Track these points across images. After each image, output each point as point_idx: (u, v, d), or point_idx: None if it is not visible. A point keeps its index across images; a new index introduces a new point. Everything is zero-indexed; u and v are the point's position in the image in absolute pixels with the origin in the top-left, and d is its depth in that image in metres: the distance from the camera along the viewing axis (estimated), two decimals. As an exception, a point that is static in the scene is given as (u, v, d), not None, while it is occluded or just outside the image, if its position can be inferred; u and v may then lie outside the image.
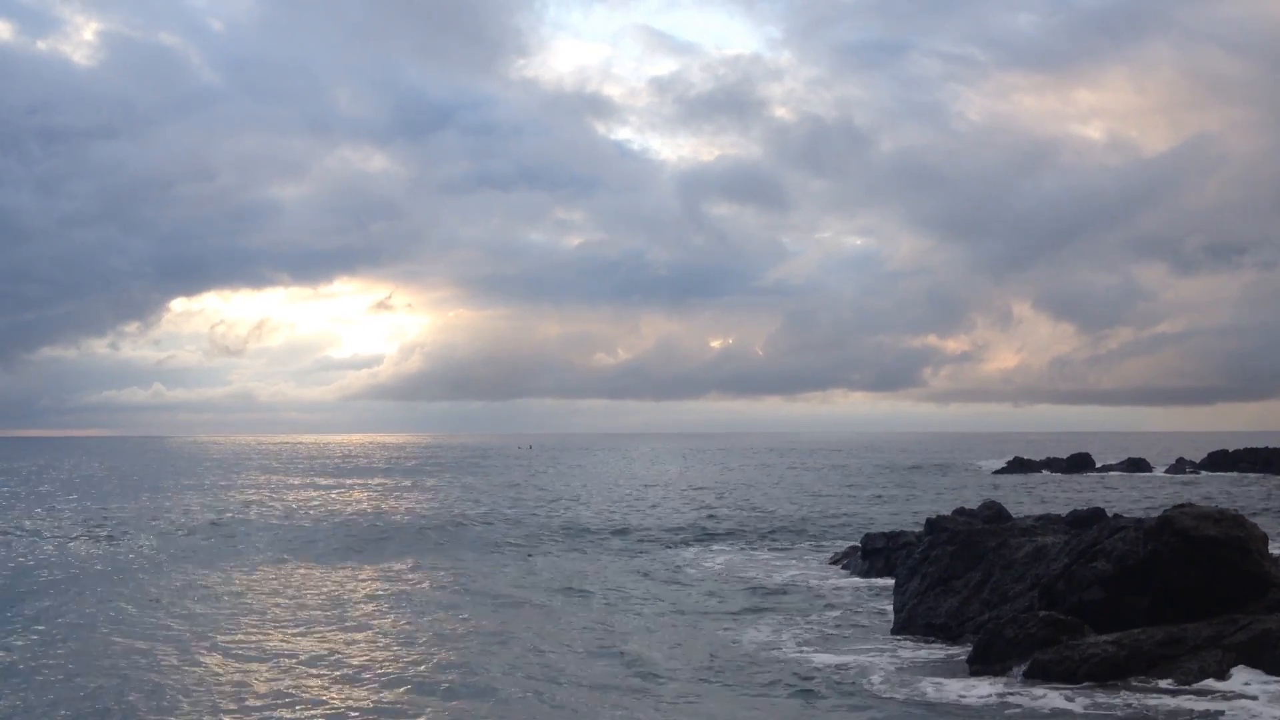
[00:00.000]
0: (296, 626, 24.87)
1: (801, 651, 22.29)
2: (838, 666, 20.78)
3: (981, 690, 18.48)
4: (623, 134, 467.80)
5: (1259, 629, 18.35)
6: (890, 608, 26.13)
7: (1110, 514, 31.29)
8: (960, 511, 38.54)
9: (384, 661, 21.30)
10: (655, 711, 17.75)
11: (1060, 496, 67.22)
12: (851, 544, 38.99)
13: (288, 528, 48.47)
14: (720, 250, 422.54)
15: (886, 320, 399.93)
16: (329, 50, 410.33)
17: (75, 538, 44.33)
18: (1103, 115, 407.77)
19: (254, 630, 24.36)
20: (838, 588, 31.12)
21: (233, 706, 17.81)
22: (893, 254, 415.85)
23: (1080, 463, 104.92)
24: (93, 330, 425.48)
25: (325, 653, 22.06)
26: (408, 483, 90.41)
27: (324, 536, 44.74)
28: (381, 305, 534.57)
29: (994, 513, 37.53)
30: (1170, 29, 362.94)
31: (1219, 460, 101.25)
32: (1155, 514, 21.57)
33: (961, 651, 21.29)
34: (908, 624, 24.52)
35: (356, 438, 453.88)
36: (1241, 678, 17.69)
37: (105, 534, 45.75)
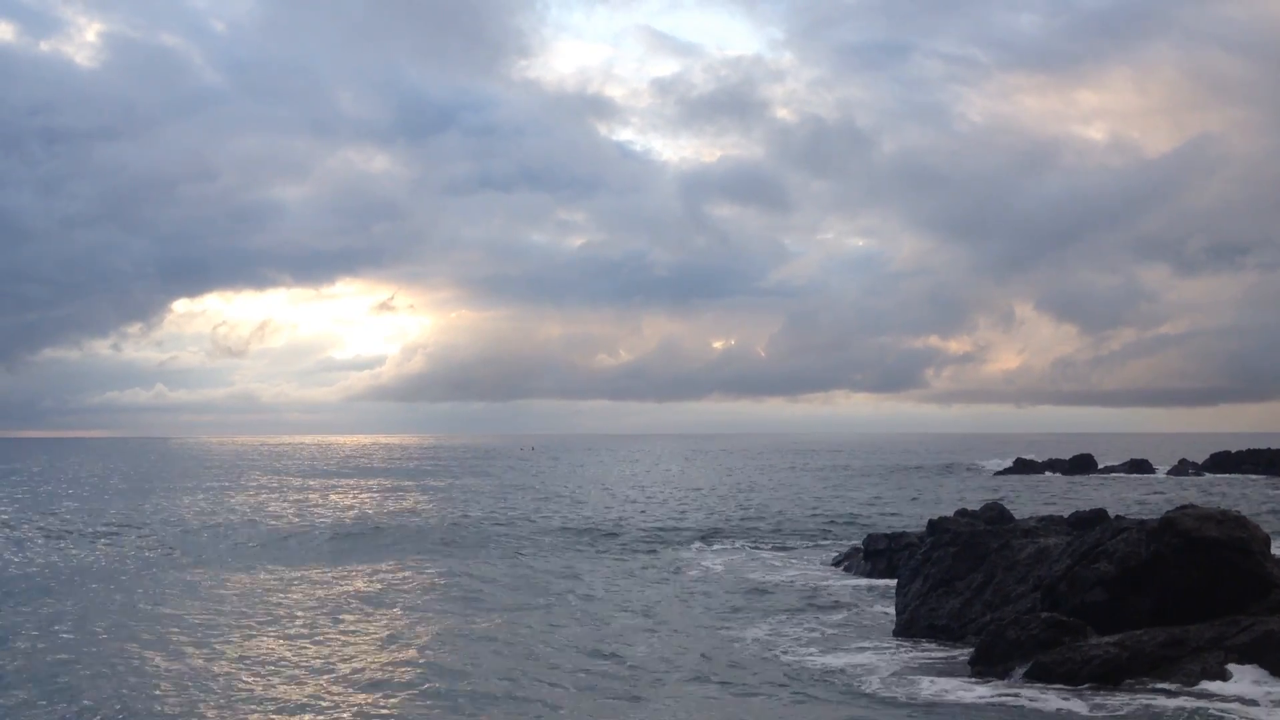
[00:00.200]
0: (293, 629, 24.85)
1: (803, 652, 22.28)
2: (839, 667, 20.78)
3: (983, 691, 18.47)
4: (625, 135, 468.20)
5: (1261, 630, 18.33)
6: (892, 609, 26.12)
7: (1113, 515, 31.27)
8: (962, 513, 38.51)
9: (381, 664, 21.30)
10: (656, 712, 17.75)
11: (1063, 498, 67.16)
12: (853, 545, 38.99)
13: (288, 529, 48.47)
14: (722, 251, 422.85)
15: (888, 321, 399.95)
16: (331, 51, 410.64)
17: (75, 539, 44.37)
18: (1105, 116, 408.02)
19: (251, 632, 24.36)
20: (840, 588, 31.11)
21: (228, 708, 17.80)
22: (895, 255, 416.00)
23: (1083, 464, 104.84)
24: (95, 331, 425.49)
25: (323, 655, 22.07)
26: (409, 484, 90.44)
27: (324, 538, 44.75)
28: (384, 306, 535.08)
29: (996, 514, 37.52)
30: (1172, 30, 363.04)
31: (1222, 461, 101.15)
32: (1158, 515, 21.55)
33: (963, 652, 21.28)
34: (910, 625, 24.51)
35: (358, 439, 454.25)
36: (1243, 679, 17.67)
37: (105, 535, 45.79)
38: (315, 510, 59.84)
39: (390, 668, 20.82)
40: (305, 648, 22.60)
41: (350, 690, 19.09)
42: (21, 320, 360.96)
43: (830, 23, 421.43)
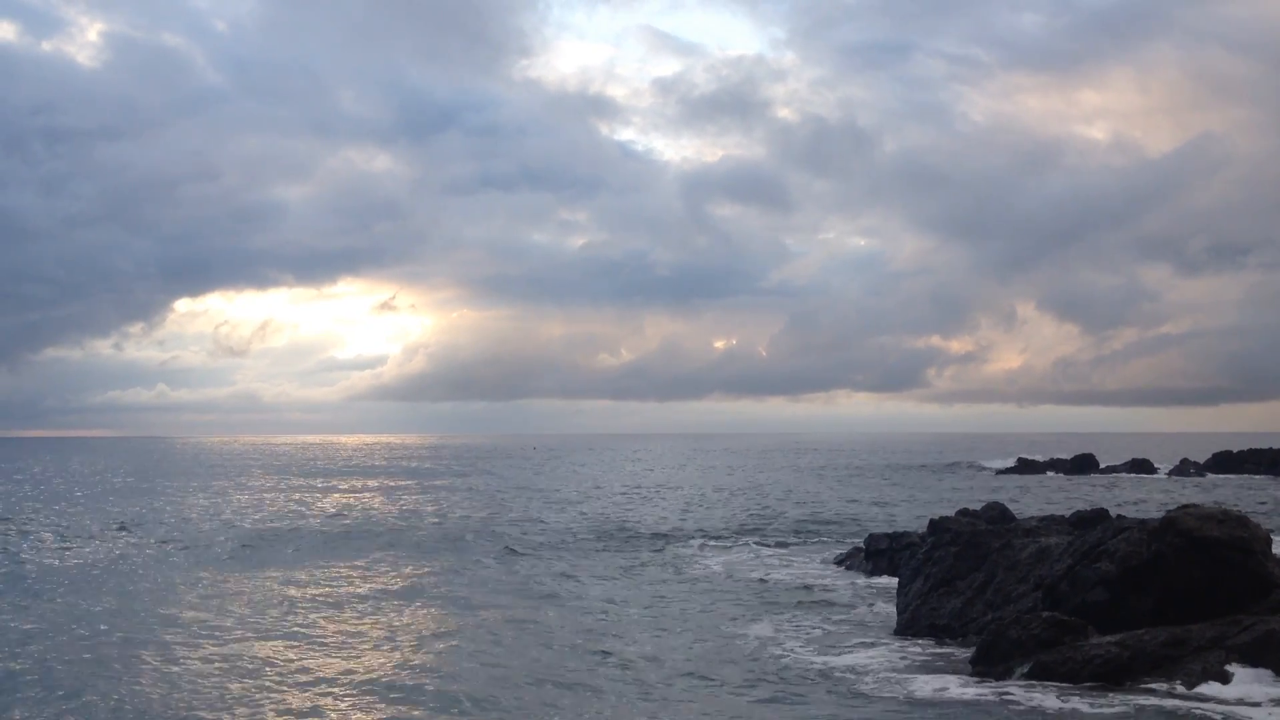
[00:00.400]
0: (293, 630, 24.86)
1: (804, 651, 22.29)
2: (840, 666, 20.78)
3: (984, 691, 18.47)
4: (626, 135, 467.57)
5: (1262, 630, 18.32)
6: (893, 608, 26.12)
7: (1114, 515, 31.27)
8: (964, 512, 38.52)
9: (382, 666, 21.32)
10: (656, 710, 17.76)
11: (1064, 497, 67.16)
12: (855, 544, 38.99)
13: (289, 530, 48.52)
14: (724, 251, 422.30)
15: (890, 321, 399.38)
16: (333, 51, 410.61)
17: (75, 540, 44.40)
18: (1107, 116, 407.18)
19: (250, 634, 24.37)
20: (841, 588, 31.11)
21: (225, 711, 17.78)
22: (896, 254, 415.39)
23: (1084, 464, 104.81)
24: (97, 331, 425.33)
25: (322, 657, 22.08)
26: (410, 484, 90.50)
27: (325, 539, 44.77)
28: (385, 306, 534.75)
29: (997, 513, 37.56)
30: (1174, 29, 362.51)
31: (1223, 461, 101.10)
32: (1159, 515, 21.55)
33: (964, 652, 21.28)
34: (911, 624, 24.52)
35: (360, 438, 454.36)
36: (1245, 679, 17.66)
37: (106, 536, 45.82)
38: (316, 511, 59.88)
39: (391, 669, 20.85)
40: (304, 649, 22.62)
41: (351, 693, 19.10)
42: (24, 320, 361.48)
43: (832, 22, 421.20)
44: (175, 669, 20.50)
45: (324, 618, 26.07)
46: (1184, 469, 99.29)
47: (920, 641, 23.33)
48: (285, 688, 19.16)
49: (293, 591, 30.20)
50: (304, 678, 19.92)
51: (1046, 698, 17.78)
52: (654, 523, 51.81)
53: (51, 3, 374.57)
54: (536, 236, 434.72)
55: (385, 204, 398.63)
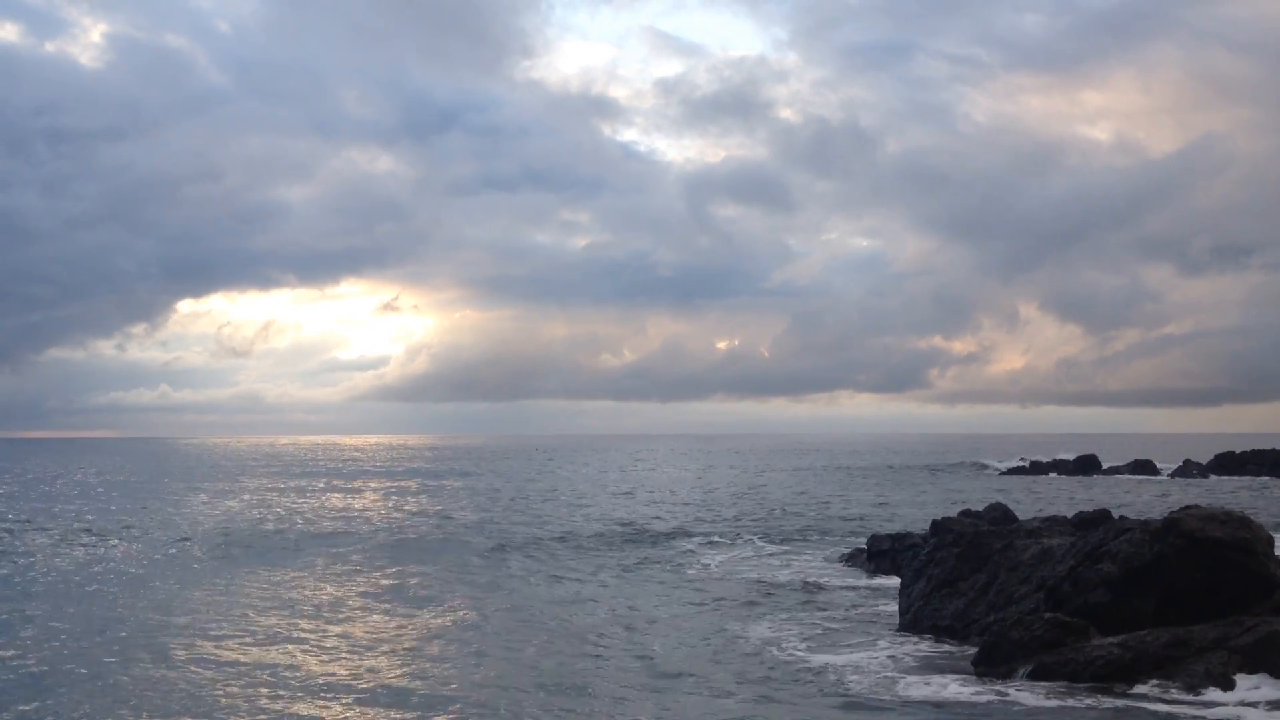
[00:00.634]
0: (289, 635, 24.84)
1: (805, 651, 22.27)
2: (842, 667, 20.76)
3: (986, 692, 18.47)
4: (628, 135, 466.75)
5: (1265, 631, 18.30)
6: (895, 609, 26.12)
7: (1116, 516, 31.24)
8: (966, 513, 38.54)
9: (383, 668, 21.32)
10: (657, 711, 17.75)
11: (1067, 498, 67.10)
12: (857, 545, 38.98)
13: (290, 532, 48.55)
14: (726, 251, 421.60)
15: (892, 321, 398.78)
16: (335, 52, 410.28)
17: (76, 541, 44.46)
18: (1109, 116, 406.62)
19: (250, 638, 24.37)
20: (843, 588, 31.10)
21: (216, 716, 17.82)
22: (898, 255, 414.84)
23: (1087, 464, 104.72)
24: (100, 332, 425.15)
25: (319, 662, 22.08)
26: (412, 485, 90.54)
27: (325, 541, 44.80)
28: (388, 307, 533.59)
29: (1000, 514, 37.54)
30: (1177, 30, 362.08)
31: (1226, 462, 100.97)
32: (1161, 516, 21.54)
33: (967, 653, 21.27)
34: (913, 625, 24.52)
35: (362, 439, 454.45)
36: (1247, 681, 17.65)
37: (107, 538, 45.86)
38: (317, 512, 59.93)
39: (387, 671, 20.84)
40: (302, 652, 22.61)
41: (348, 696, 19.09)
42: (26, 321, 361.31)
43: (834, 23, 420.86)
44: (171, 673, 20.48)
45: (322, 620, 26.08)
46: (1187, 470, 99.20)
47: (922, 642, 23.32)
48: (282, 691, 19.14)
49: (292, 594, 30.21)
50: (302, 681, 19.92)
51: (1048, 699, 17.78)
52: (655, 522, 51.80)
53: (54, 4, 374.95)
54: (539, 237, 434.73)
55: (388, 204, 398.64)
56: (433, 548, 41.25)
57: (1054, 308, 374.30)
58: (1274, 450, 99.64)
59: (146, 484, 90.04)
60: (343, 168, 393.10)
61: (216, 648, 22.50)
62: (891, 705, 18.11)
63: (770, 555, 39.65)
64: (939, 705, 18.00)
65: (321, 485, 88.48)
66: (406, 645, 22.99)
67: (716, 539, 45.03)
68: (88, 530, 47.76)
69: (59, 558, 38.12)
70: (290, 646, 22.78)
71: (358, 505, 64.57)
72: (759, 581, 32.49)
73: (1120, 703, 17.38)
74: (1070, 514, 36.75)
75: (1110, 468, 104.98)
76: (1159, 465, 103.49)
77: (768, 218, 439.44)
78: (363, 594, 30.03)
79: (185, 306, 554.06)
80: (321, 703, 18.23)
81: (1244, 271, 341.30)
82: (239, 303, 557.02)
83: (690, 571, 35.26)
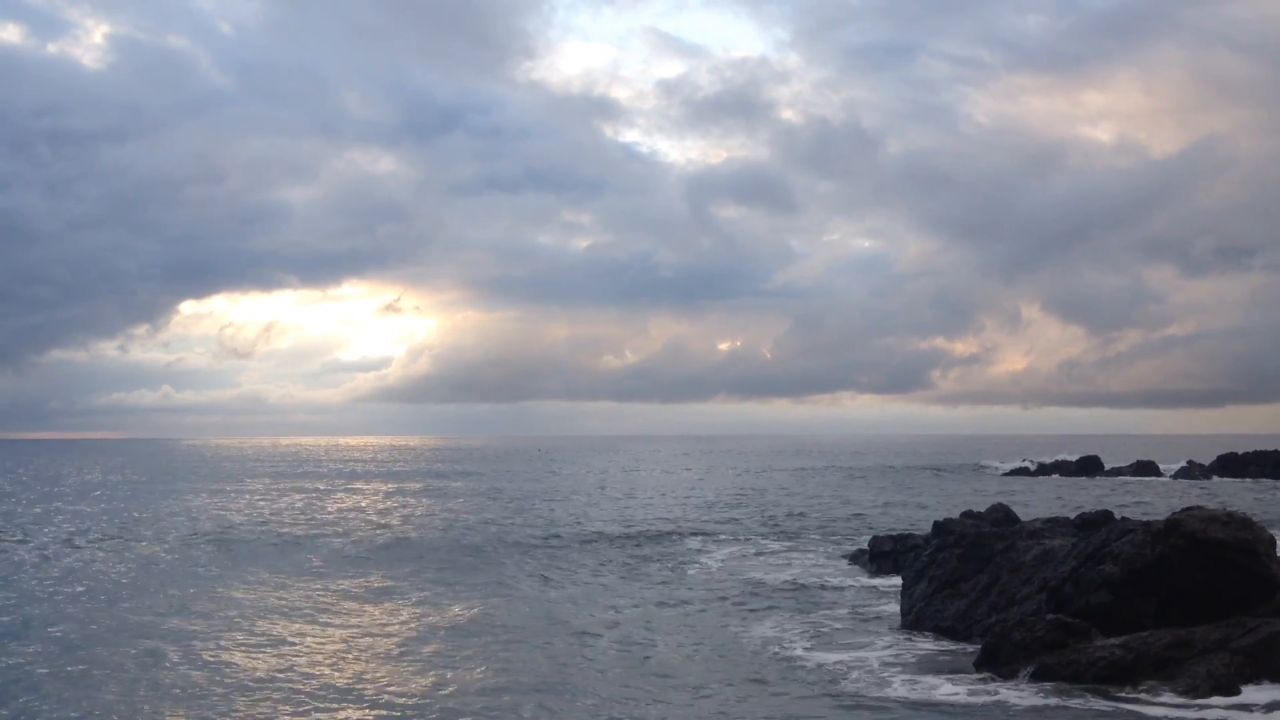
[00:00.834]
0: (288, 637, 24.87)
1: (806, 651, 22.25)
2: (843, 667, 20.75)
3: (988, 693, 18.45)
4: (630, 136, 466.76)
5: (1267, 632, 18.29)
6: (897, 610, 26.10)
7: (1118, 517, 31.21)
8: (968, 514, 38.48)
9: (384, 670, 21.32)
10: (656, 708, 17.76)
11: (1069, 499, 67.04)
12: (859, 546, 38.95)
13: (290, 534, 48.56)
14: (728, 252, 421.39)
15: (894, 322, 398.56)
16: (337, 53, 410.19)
17: (76, 542, 44.48)
18: (1111, 117, 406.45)
19: (249, 641, 24.39)
20: (845, 588, 31.08)
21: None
22: (900, 256, 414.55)
23: (1089, 465, 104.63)
24: (102, 333, 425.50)
25: (320, 664, 22.09)
26: (414, 486, 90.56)
27: (325, 541, 44.81)
28: (390, 308, 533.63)
29: (1002, 515, 37.50)
30: (1179, 30, 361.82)
31: (1228, 463, 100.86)
32: (1164, 517, 21.52)
33: (968, 654, 21.26)
34: (915, 626, 24.50)
35: (364, 440, 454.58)
36: (1249, 683, 17.63)
37: (104, 539, 45.90)
38: (317, 513, 59.96)
39: (383, 673, 20.83)
40: (297, 657, 22.62)
41: (347, 698, 19.10)
42: (28, 322, 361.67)
43: (836, 24, 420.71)
44: (167, 677, 20.49)
45: (321, 621, 26.09)
46: (1189, 471, 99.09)
47: (924, 643, 23.30)
48: (276, 694, 19.14)
49: (289, 594, 30.21)
50: (300, 683, 19.92)
51: (1050, 700, 17.77)
52: (656, 522, 51.77)
53: (57, 5, 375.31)
54: (541, 238, 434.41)
55: (390, 206, 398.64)
56: (433, 548, 41.24)
57: (1056, 308, 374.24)
58: (1276, 451, 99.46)
59: (148, 485, 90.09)
60: (345, 169, 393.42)
61: (213, 650, 22.50)
62: (893, 705, 18.11)
63: (772, 555, 39.62)
64: (940, 706, 17.99)
65: (323, 486, 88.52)
66: (405, 646, 22.98)
67: (718, 539, 45.00)
68: (88, 531, 47.77)
69: (58, 559, 38.12)
70: (286, 648, 22.77)
71: (359, 506, 64.59)
72: (760, 581, 32.48)
73: (1122, 704, 17.36)
74: (1072, 515, 36.72)
75: (1112, 469, 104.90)
76: (1161, 466, 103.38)
77: (770, 219, 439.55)
78: (362, 595, 30.03)
79: (187, 308, 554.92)
80: (321, 704, 18.23)
81: (1246, 272, 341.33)
82: (241, 304, 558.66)
83: (691, 571, 35.25)
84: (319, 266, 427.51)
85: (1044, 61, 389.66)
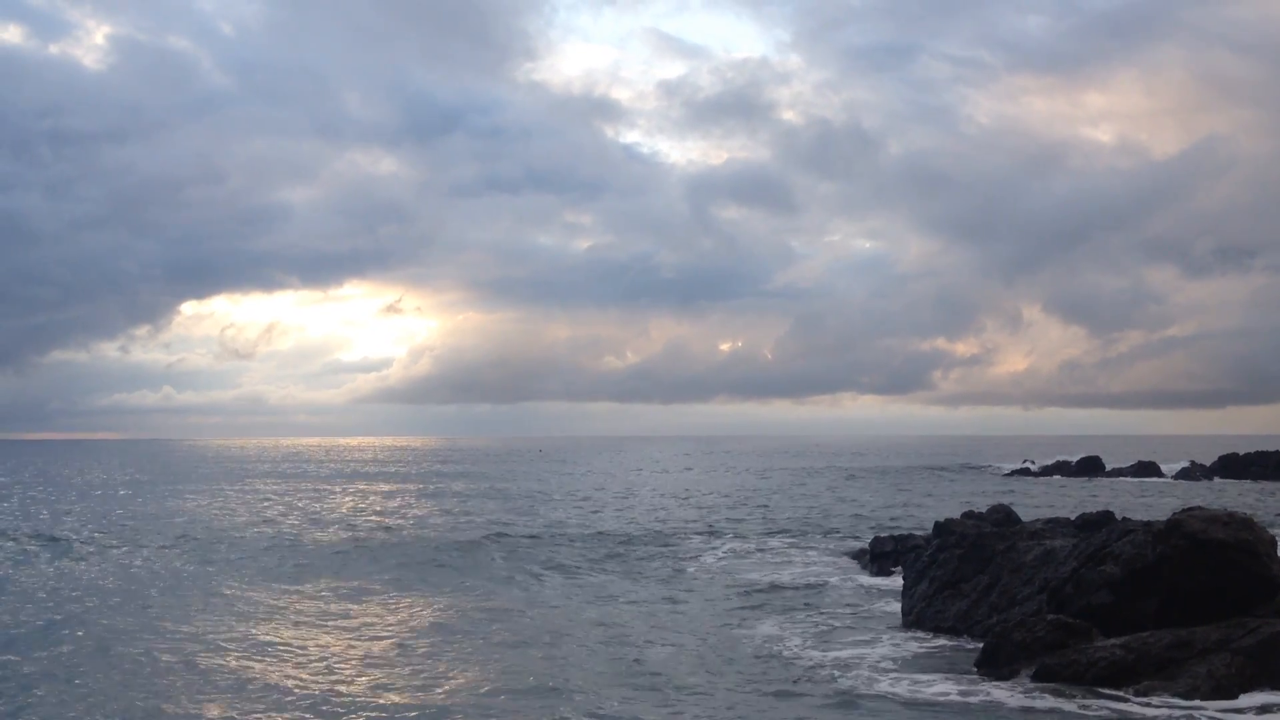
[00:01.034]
0: (285, 637, 24.87)
1: (807, 651, 22.25)
2: (844, 667, 20.75)
3: (988, 693, 18.45)
4: (631, 137, 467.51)
5: (1268, 632, 18.28)
6: (898, 610, 26.10)
7: (1119, 517, 31.21)
8: (969, 514, 38.51)
9: (384, 671, 21.32)
10: (656, 707, 17.75)
11: (1070, 500, 67.04)
12: (860, 546, 38.95)
13: (291, 536, 48.57)
14: (729, 253, 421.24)
15: (895, 323, 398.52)
16: (338, 54, 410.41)
17: (76, 544, 44.49)
18: (1112, 118, 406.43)
19: (235, 645, 24.38)
20: (845, 589, 31.06)
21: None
22: (901, 257, 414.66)
23: (1090, 466, 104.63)
24: (103, 333, 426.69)
25: (319, 665, 22.09)
26: (415, 487, 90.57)
27: (326, 544, 44.81)
28: (391, 308, 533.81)
29: (1002, 516, 37.52)
30: (1180, 31, 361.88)
31: (1229, 464, 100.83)
32: (1165, 518, 21.51)
33: (969, 654, 21.25)
34: (915, 626, 24.51)
35: (365, 440, 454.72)
36: (1251, 684, 17.61)
37: (104, 540, 45.91)
38: (317, 514, 59.97)
39: (382, 674, 20.84)
40: (300, 655, 22.63)
41: (345, 701, 19.11)
42: (30, 322, 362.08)
43: (837, 25, 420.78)
44: (166, 680, 20.49)
45: (319, 622, 26.09)
46: (1190, 472, 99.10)
47: (925, 643, 23.30)
48: (275, 695, 19.15)
49: (287, 595, 30.20)
50: (299, 684, 19.92)
51: (1050, 700, 17.76)
52: (657, 522, 51.76)
53: (58, 5, 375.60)
54: (542, 239, 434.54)
55: (391, 206, 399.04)
56: (434, 549, 41.22)
57: (1057, 309, 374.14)
58: (1278, 452, 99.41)
59: (149, 486, 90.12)
60: (346, 170, 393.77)
61: (209, 651, 22.49)
62: (893, 705, 18.10)
63: (772, 555, 39.60)
64: (941, 706, 17.98)
65: (323, 487, 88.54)
66: (404, 646, 22.97)
67: (719, 539, 44.98)
68: (88, 531, 47.78)
69: (57, 559, 38.11)
70: (284, 649, 22.76)
71: (359, 507, 64.59)
72: (761, 581, 32.47)
73: (1122, 704, 17.35)
74: (1073, 515, 36.75)
75: (1113, 470, 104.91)
76: (1162, 467, 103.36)
77: (770, 219, 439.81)
78: (362, 595, 30.01)
79: (188, 308, 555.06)
80: (320, 704, 18.22)
81: (1247, 273, 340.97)
82: (242, 304, 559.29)
83: (692, 570, 35.25)
84: (320, 267, 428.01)
85: (1045, 62, 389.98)
